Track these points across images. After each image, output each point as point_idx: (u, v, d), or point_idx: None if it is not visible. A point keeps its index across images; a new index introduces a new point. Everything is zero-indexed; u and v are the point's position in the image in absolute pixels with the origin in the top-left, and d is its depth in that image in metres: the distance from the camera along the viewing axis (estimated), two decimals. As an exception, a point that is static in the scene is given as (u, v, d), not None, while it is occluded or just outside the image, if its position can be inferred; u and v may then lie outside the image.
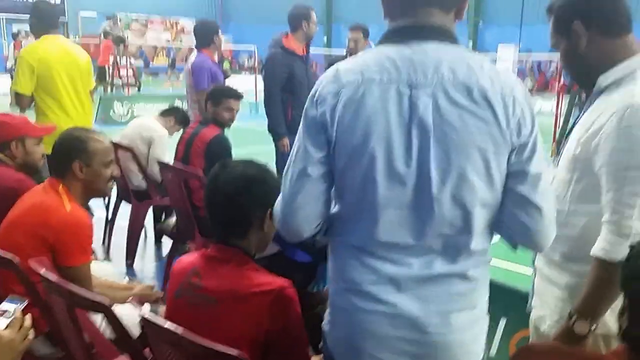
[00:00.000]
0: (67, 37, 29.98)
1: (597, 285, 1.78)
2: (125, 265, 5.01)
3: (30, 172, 3.20)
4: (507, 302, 2.95)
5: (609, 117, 1.74)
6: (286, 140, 5.29)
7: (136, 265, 5.09)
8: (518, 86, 1.48)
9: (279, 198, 1.61)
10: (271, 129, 5.44)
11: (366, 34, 5.94)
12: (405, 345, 1.54)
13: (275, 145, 5.45)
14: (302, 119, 1.55)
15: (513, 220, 1.52)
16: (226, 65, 27.05)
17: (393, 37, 1.52)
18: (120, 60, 17.68)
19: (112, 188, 2.91)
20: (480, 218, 1.49)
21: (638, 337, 1.35)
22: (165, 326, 1.81)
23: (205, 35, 5.53)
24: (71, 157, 2.67)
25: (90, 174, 2.69)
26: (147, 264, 5.27)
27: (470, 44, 24.45)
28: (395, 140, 1.44)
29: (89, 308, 2.25)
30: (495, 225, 1.56)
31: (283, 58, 5.34)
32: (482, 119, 1.42)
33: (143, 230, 5.41)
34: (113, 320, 2.07)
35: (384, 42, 1.53)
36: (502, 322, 3.09)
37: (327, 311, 1.68)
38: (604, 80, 1.83)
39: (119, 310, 2.40)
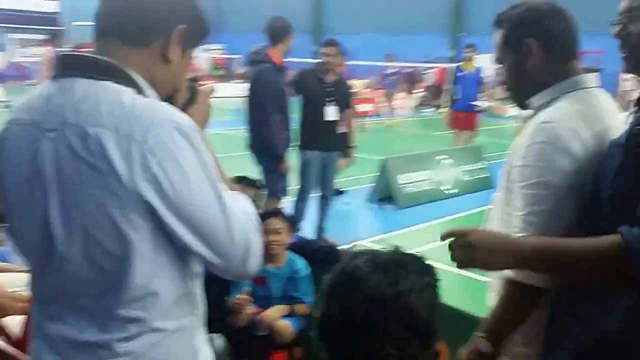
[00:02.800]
0: (61, 46, 30.41)
1: (502, 304, 1.72)
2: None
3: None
4: None
5: (525, 137, 1.71)
6: (288, 162, 5.16)
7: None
8: (157, 131, 1.24)
9: None
10: (268, 150, 5.16)
11: (340, 50, 5.76)
12: None
13: (269, 166, 5.28)
14: None
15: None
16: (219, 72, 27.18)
17: (57, 69, 1.36)
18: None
19: None
20: (121, 280, 1.28)
21: None
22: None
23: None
24: None
25: None
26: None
27: (451, 53, 24.42)
28: (22, 189, 1.32)
29: None
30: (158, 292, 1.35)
31: (274, 74, 5.17)
32: (97, 169, 1.23)
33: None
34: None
35: (53, 75, 1.37)
36: None
37: None
38: (535, 101, 1.80)
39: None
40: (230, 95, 15.91)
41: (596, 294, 1.57)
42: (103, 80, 1.30)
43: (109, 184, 1.22)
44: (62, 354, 1.35)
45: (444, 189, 8.66)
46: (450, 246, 1.57)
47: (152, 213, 1.25)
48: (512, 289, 1.70)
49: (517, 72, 1.83)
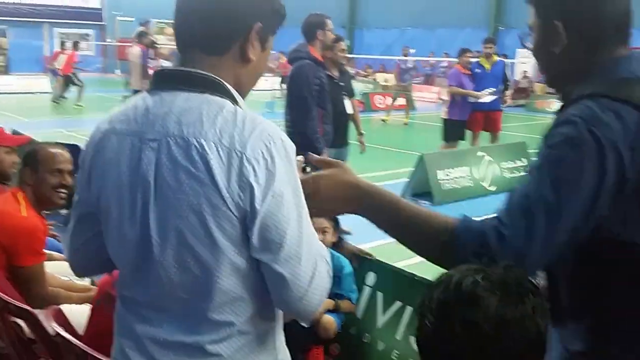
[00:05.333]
0: (104, 40, 30.98)
1: None
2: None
3: (1, 179, 3.40)
4: (413, 291, 3.09)
5: None
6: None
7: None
8: (254, 142, 1.30)
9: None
10: (306, 145, 4.88)
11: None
12: None
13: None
14: None
15: (270, 289, 1.39)
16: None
17: (154, 83, 1.43)
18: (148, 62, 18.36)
19: (62, 198, 3.02)
20: (212, 285, 1.34)
21: None
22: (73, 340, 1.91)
23: None
24: (24, 163, 2.86)
25: (36, 180, 2.89)
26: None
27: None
28: (124, 197, 1.36)
29: (15, 315, 2.33)
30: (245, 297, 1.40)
31: (313, 69, 5.17)
32: (197, 179, 1.28)
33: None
34: (36, 327, 2.17)
35: (150, 88, 1.43)
36: (408, 310, 3.20)
37: None
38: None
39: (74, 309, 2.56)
40: (263, 88, 16.27)
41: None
42: (201, 92, 1.35)
43: (207, 192, 1.28)
44: (151, 354, 1.39)
45: (484, 186, 8.59)
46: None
47: (242, 221, 1.30)
48: None
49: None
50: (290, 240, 1.32)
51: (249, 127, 1.31)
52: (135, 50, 12.53)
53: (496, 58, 9.42)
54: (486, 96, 9.05)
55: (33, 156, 2.93)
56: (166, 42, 27.23)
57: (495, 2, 24.89)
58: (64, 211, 5.77)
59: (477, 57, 9.81)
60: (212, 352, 1.37)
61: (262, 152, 1.29)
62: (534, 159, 1.45)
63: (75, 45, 18.99)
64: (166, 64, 23.16)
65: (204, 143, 1.28)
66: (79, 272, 1.68)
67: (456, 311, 1.21)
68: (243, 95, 1.44)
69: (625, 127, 1.34)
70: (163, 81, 1.41)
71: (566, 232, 1.34)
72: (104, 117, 1.46)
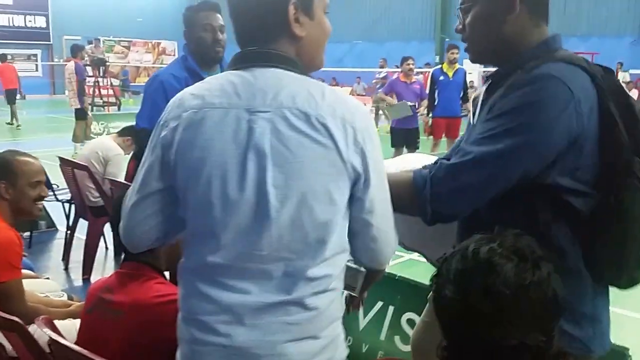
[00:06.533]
0: (52, 60, 30.34)
1: None
2: (82, 280, 5.14)
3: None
4: (394, 290, 3.15)
5: None
6: None
7: (94, 279, 5.09)
8: (360, 115, 1.49)
9: (123, 210, 1.63)
10: None
11: None
12: None
13: None
14: (149, 142, 1.57)
15: (358, 244, 1.55)
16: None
17: (238, 63, 1.53)
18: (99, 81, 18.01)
19: (40, 209, 2.99)
20: (320, 242, 1.46)
21: None
22: (70, 346, 1.86)
23: None
24: None
25: (15, 195, 2.82)
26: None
27: (437, 59, 24.66)
28: (230, 165, 1.43)
29: (2, 327, 2.26)
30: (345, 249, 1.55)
31: None
32: (321, 144, 1.42)
33: (104, 244, 5.54)
34: (27, 339, 2.11)
35: (230, 69, 1.54)
36: (390, 310, 3.24)
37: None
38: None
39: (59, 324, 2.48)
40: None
41: None
42: (285, 69, 1.49)
43: (329, 156, 1.42)
44: (243, 318, 1.45)
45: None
46: None
47: (354, 182, 1.47)
48: None
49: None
50: (384, 200, 1.55)
51: (349, 101, 1.50)
52: (70, 66, 12.09)
53: (457, 66, 9.54)
54: (405, 108, 9.07)
55: (8, 169, 2.83)
56: (116, 60, 27.07)
57: (440, 14, 25.45)
58: (26, 234, 5.72)
59: (442, 64, 9.91)
60: (310, 306, 1.46)
61: (365, 121, 1.49)
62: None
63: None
64: (116, 82, 23.07)
65: (322, 114, 1.43)
66: (133, 245, 1.68)
67: (476, 279, 1.25)
68: (314, 68, 1.59)
69: (583, 87, 1.53)
70: (249, 59, 1.51)
71: (518, 172, 1.52)
72: (183, 96, 1.52)
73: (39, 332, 2.15)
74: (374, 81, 18.44)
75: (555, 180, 1.53)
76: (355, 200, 1.49)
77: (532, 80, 1.53)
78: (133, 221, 1.60)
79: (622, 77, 17.51)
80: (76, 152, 10.96)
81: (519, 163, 1.51)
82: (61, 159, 5.47)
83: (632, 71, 18.55)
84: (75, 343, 2.14)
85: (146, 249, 1.71)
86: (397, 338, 3.20)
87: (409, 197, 1.61)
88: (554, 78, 1.51)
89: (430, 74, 9.90)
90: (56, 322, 2.53)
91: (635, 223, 1.54)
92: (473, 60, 1.80)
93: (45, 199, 3.10)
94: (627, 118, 1.56)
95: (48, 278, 3.70)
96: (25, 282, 2.99)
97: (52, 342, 1.93)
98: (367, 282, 1.82)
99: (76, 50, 12.40)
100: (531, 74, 1.54)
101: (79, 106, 11.73)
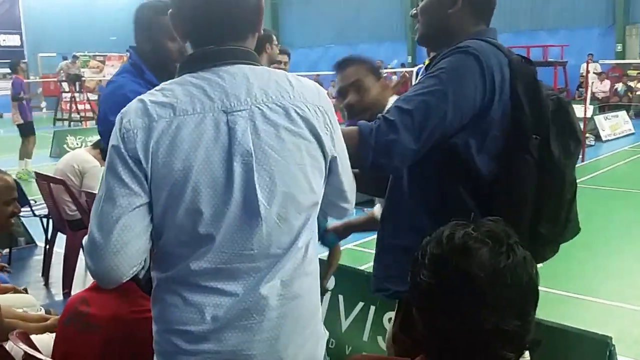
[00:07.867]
0: (27, 77, 30.12)
1: None
2: (62, 295, 5.11)
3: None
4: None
5: None
6: None
7: (74, 292, 5.07)
8: (323, 96, 1.55)
9: (89, 242, 1.42)
10: None
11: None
12: None
13: None
14: (107, 156, 1.44)
15: (332, 207, 1.70)
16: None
17: (198, 62, 1.48)
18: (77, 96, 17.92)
19: (13, 225, 3.03)
20: (303, 230, 1.51)
21: (431, 343, 1.32)
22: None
23: None
24: None
25: None
26: (86, 291, 5.28)
27: (410, 59, 25.05)
28: (217, 170, 1.40)
29: None
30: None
31: None
32: (301, 136, 1.46)
33: (84, 257, 5.41)
34: (3, 356, 2.10)
35: (186, 70, 1.48)
36: (372, 310, 3.26)
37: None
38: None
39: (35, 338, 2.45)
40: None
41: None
42: (249, 64, 1.49)
43: (309, 146, 1.48)
44: (233, 321, 1.45)
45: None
46: None
47: (329, 163, 1.55)
48: None
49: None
50: (348, 165, 1.65)
51: (312, 86, 1.56)
52: (10, 83, 11.74)
53: None
54: None
55: None
56: (91, 74, 26.90)
57: (410, 16, 25.59)
58: (5, 251, 5.67)
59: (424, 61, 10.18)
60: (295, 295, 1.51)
61: (330, 105, 1.56)
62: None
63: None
64: (93, 97, 22.91)
65: (298, 104, 1.47)
66: (124, 271, 1.43)
67: (451, 263, 1.24)
68: None
69: (498, 62, 1.80)
70: (209, 59, 1.47)
71: (437, 131, 1.74)
72: (143, 105, 1.42)
73: (16, 348, 2.13)
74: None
75: (466, 140, 1.77)
76: (329, 175, 1.57)
77: (453, 51, 1.80)
78: (112, 249, 1.39)
79: (594, 67, 17.60)
80: (22, 169, 10.76)
81: (444, 116, 1.73)
82: (37, 174, 5.44)
83: (601, 61, 18.70)
84: (52, 357, 2.12)
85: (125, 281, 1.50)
86: (379, 338, 3.20)
87: (354, 147, 1.71)
88: (470, 48, 1.79)
89: (414, 72, 10.76)
90: (33, 336, 2.51)
91: (526, 190, 1.78)
92: (419, 43, 2.07)
93: (23, 214, 3.11)
94: (534, 101, 1.80)
95: (26, 289, 3.68)
96: (1, 297, 2.98)
97: (26, 357, 1.90)
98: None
99: (14, 65, 11.92)
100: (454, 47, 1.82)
101: (21, 121, 11.33)
